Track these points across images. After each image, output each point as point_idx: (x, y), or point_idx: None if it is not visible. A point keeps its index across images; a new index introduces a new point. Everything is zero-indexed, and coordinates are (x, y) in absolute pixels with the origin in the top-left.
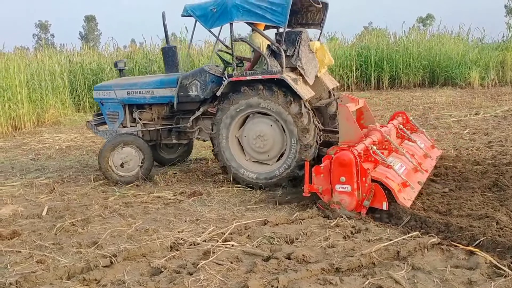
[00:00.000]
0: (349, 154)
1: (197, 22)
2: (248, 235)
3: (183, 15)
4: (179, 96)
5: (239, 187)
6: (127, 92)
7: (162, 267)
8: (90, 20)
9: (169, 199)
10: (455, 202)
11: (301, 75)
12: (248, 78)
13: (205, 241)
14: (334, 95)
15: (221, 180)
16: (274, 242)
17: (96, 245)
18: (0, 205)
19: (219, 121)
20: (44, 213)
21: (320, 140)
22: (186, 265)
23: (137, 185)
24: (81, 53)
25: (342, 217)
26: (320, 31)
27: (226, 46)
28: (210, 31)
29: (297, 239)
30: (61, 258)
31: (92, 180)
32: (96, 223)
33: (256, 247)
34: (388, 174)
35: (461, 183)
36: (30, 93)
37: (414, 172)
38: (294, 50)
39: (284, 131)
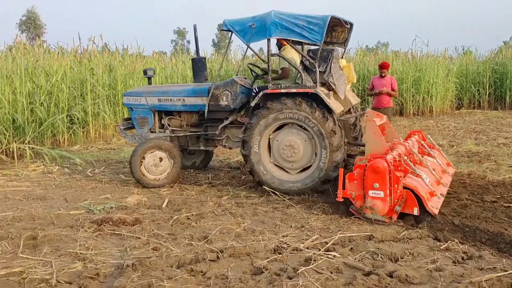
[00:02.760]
0: (383, 162)
1: (233, 36)
2: (351, 248)
3: (222, 29)
4: (210, 105)
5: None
6: (158, 99)
7: (263, 268)
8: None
9: (278, 203)
10: None
11: (331, 90)
12: (283, 91)
13: (307, 248)
14: (356, 110)
15: (331, 190)
16: (378, 258)
17: (206, 240)
18: (127, 194)
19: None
20: (164, 205)
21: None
22: (286, 269)
23: (250, 187)
24: (212, 59)
25: (454, 241)
26: (344, 49)
27: (263, 60)
28: (248, 45)
29: (402, 258)
30: (174, 248)
31: (209, 178)
32: (208, 219)
33: (358, 260)
34: (417, 183)
35: None
36: None
37: (436, 184)
38: (326, 67)
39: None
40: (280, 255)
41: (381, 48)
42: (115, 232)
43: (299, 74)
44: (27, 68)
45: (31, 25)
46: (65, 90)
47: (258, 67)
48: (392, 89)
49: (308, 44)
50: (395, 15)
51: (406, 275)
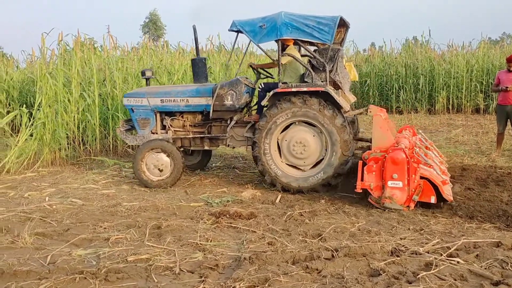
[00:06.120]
0: (402, 153)
1: (238, 37)
2: (477, 255)
3: (230, 30)
4: (215, 105)
5: (468, 201)
6: (161, 100)
7: (381, 270)
8: None
9: None
10: None
11: (338, 88)
12: (293, 90)
13: (427, 253)
14: (353, 108)
15: (455, 193)
16: (507, 267)
17: (320, 237)
18: (242, 189)
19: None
20: (277, 200)
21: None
22: (405, 272)
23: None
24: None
25: None
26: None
27: (273, 60)
28: (258, 45)
29: None
30: (288, 243)
31: None
32: (321, 216)
33: (485, 268)
34: (432, 173)
35: None
36: None
37: (442, 174)
38: (333, 66)
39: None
40: (398, 258)
41: (507, 40)
42: (232, 225)
43: (307, 73)
44: (153, 67)
45: (152, 26)
46: None
47: (260, 68)
48: None
49: (316, 44)
50: None
51: None
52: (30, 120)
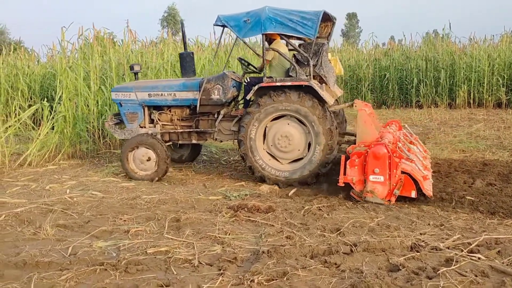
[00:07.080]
0: (383, 148)
1: (224, 32)
2: (499, 251)
3: (216, 25)
4: (201, 99)
5: (489, 197)
6: (149, 94)
7: (400, 265)
8: (351, 17)
9: (413, 199)
10: None
11: (323, 82)
12: (277, 84)
13: (448, 248)
14: (340, 102)
15: (476, 189)
16: None
17: (338, 232)
18: (261, 183)
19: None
20: (290, 193)
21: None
22: (425, 268)
23: None
24: (341, 49)
25: None
26: (327, 44)
27: (257, 54)
28: (243, 40)
29: None
30: (307, 238)
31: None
32: (340, 211)
33: (507, 265)
34: (413, 168)
35: None
36: None
37: (424, 169)
38: (317, 60)
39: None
40: (418, 253)
41: None
42: (250, 218)
43: (292, 67)
44: (172, 61)
45: (171, 21)
46: None
47: (248, 62)
48: None
49: (301, 38)
50: None
51: None
52: (51, 114)
